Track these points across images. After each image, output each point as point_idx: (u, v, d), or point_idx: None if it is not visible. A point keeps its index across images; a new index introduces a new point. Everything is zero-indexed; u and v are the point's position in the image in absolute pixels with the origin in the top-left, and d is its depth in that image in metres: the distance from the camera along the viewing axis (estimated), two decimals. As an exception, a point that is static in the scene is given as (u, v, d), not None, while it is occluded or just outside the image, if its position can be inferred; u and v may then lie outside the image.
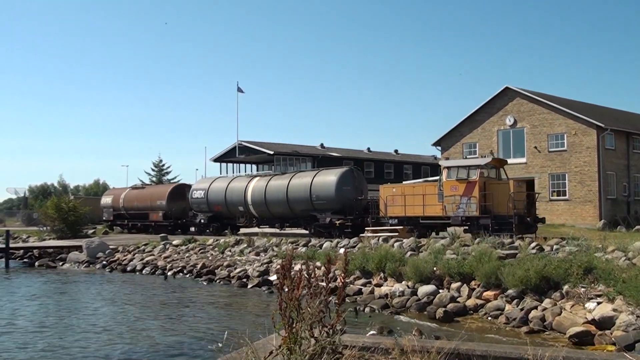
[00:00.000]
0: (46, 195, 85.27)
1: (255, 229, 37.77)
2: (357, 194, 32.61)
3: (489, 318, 16.56)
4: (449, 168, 27.98)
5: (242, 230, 38.78)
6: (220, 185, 39.93)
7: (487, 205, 26.72)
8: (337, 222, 32.10)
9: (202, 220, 41.12)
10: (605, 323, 14.03)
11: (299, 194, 34.13)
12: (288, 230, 36.64)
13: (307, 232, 34.79)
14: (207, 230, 40.20)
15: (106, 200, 51.59)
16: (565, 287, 16.23)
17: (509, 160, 41.69)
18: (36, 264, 34.91)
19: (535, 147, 40.80)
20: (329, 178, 33.22)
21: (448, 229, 28.44)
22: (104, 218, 51.28)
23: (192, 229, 42.28)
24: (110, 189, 66.54)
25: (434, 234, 28.34)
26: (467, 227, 27.09)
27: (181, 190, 45.12)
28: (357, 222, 31.67)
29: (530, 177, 41.07)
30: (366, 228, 29.58)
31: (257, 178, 38.57)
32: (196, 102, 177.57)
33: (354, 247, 25.47)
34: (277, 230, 36.65)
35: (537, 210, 39.77)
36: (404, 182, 38.16)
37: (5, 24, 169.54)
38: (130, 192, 49.69)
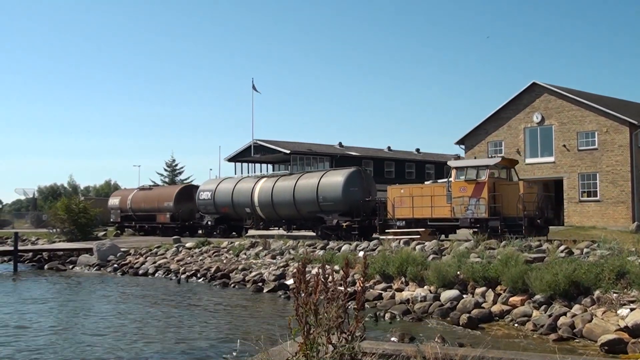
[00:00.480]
0: (56, 196, 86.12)
1: (263, 232, 38.10)
2: (365, 195, 32.78)
3: (516, 325, 16.44)
4: (457, 168, 28.13)
5: (250, 233, 39.13)
6: (227, 186, 40.24)
7: (496, 206, 26.81)
8: (344, 224, 32.26)
9: (209, 222, 41.42)
10: (639, 330, 13.86)
11: (306, 195, 34.38)
12: (295, 233, 36.78)
13: (314, 234, 34.96)
14: (215, 233, 40.54)
15: (114, 201, 52.10)
16: (596, 293, 16.06)
17: (536, 160, 41.56)
18: (45, 266, 35.24)
19: (564, 146, 40.49)
20: (335, 179, 33.43)
21: (457, 231, 28.59)
22: (111, 220, 51.75)
23: (200, 231, 42.58)
24: (118, 190, 67.24)
25: (443, 236, 28.43)
26: (476, 230, 27.19)
27: (189, 192, 45.43)
28: (364, 224, 31.88)
29: (559, 177, 40.85)
30: (387, 230, 29.60)
31: (265, 179, 38.90)
32: (210, 100, 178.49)
33: (374, 250, 25.44)
34: (285, 233, 36.85)
35: (564, 212, 39.75)
36: (426, 183, 38.04)
37: (14, 24, 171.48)
38: (137, 193, 50.16)
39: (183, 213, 44.64)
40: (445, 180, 29.52)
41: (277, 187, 36.45)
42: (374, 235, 31.12)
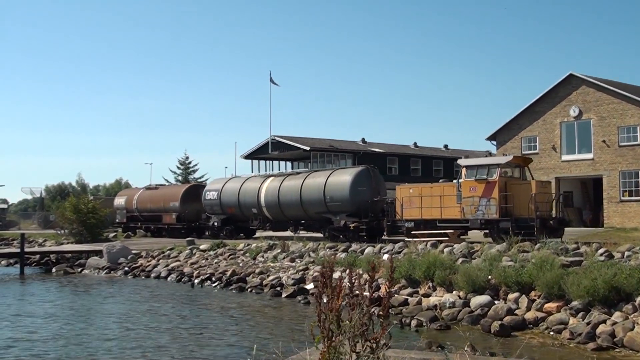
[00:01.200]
0: (64, 196, 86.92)
1: (270, 233, 38.63)
2: (374, 195, 33.06)
3: (551, 333, 16.35)
4: (467, 167, 28.39)
5: (258, 234, 39.70)
6: (233, 186, 40.80)
7: (507, 207, 27.02)
8: (352, 225, 32.65)
9: (216, 223, 41.95)
10: (684, 340, 13.73)
11: (313, 195, 34.85)
12: (303, 234, 37.08)
13: (322, 236, 35.30)
14: (221, 234, 40.98)
15: (119, 201, 52.82)
16: (639, 299, 15.93)
17: (573, 157, 41.22)
18: (53, 269, 35.60)
19: (604, 141, 40.12)
20: (343, 178, 33.85)
21: (469, 233, 29.04)
22: (117, 220, 52.27)
23: (207, 232, 42.95)
24: (124, 189, 68.04)
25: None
26: (487, 232, 27.57)
27: (196, 191, 45.80)
28: (372, 225, 32.29)
29: (598, 175, 40.50)
30: (413, 232, 29.64)
31: (271, 178, 39.48)
32: (226, 95, 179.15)
33: (399, 252, 25.43)
34: (291, 234, 37.18)
35: (604, 213, 39.41)
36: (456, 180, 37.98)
37: (19, 20, 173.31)
38: (143, 193, 50.83)
39: (189, 214, 45.11)
40: (456, 180, 29.69)
41: (284, 186, 36.92)
42: (384, 237, 31.49)
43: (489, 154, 50.02)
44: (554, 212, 28.14)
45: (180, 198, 45.96)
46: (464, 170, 28.40)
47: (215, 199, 41.43)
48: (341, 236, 32.91)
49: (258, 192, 38.43)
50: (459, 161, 29.77)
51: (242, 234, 41.32)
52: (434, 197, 29.26)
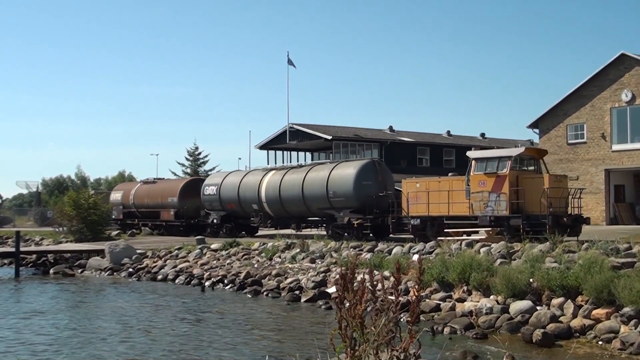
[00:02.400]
0: (62, 190, 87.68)
1: (272, 231, 39.22)
2: (380, 190, 33.34)
3: (600, 342, 16.27)
4: (477, 160, 28.56)
5: (261, 232, 40.32)
6: (233, 180, 41.37)
7: (518, 203, 27.19)
8: (356, 222, 33.07)
9: (215, 220, 42.49)
10: None
11: (315, 190, 35.30)
12: (306, 232, 37.39)
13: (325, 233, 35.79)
14: (221, 232, 41.56)
15: (115, 196, 53.39)
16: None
17: (625, 146, 40.83)
18: (51, 271, 35.84)
19: (660, 129, 39.73)
20: (347, 171, 34.31)
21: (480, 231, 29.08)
22: (113, 216, 52.61)
23: (208, 230, 43.29)
24: (120, 183, 68.63)
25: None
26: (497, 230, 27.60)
27: (195, 186, 46.14)
28: (377, 222, 32.79)
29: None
30: (446, 230, 29.64)
31: (273, 172, 39.94)
32: (239, 79, 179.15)
33: (431, 253, 25.40)
34: (294, 232, 37.53)
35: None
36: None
37: (17, 12, 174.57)
38: (141, 187, 51.47)
39: (188, 210, 45.61)
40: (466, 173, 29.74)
41: (286, 180, 37.32)
42: (391, 235, 31.88)
43: (530, 143, 49.78)
44: (569, 208, 27.98)
45: (178, 193, 46.45)
46: (473, 163, 28.54)
47: (215, 194, 41.97)
48: (345, 234, 33.29)
49: (258, 186, 38.87)
50: (468, 153, 29.82)
51: (243, 232, 41.87)
52: (441, 192, 29.51)
